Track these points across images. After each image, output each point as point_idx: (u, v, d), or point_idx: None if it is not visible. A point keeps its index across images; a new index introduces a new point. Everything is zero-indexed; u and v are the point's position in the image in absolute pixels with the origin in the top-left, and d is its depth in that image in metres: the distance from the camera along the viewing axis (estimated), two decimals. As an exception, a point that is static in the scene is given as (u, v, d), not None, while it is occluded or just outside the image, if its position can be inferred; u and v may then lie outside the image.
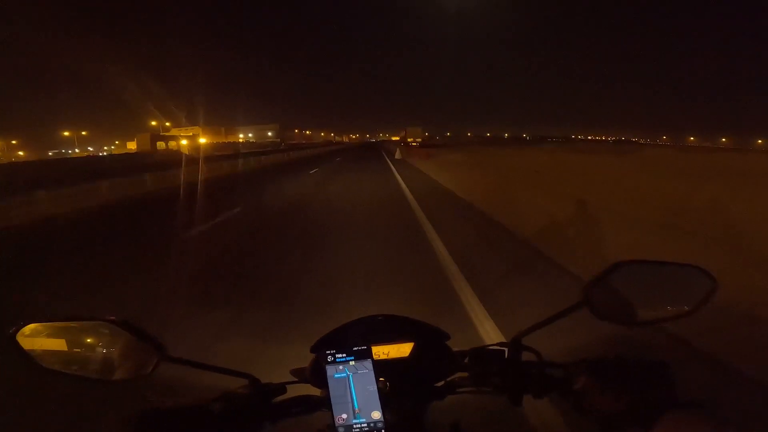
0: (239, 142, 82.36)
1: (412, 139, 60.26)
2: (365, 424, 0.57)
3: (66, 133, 74.20)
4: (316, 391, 0.67)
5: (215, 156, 23.56)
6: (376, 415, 0.58)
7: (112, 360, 0.54)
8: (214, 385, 0.62)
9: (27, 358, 0.53)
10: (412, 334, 0.71)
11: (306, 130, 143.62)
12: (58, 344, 0.56)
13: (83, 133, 79.49)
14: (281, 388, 0.65)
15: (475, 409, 0.86)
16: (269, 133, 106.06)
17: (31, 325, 0.54)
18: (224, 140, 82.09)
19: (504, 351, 0.63)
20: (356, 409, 0.59)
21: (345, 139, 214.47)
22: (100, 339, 0.55)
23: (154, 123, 72.47)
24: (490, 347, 0.65)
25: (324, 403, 0.63)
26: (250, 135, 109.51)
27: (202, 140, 70.44)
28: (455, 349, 0.71)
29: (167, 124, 75.81)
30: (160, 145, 55.79)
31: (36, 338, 0.55)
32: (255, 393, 0.61)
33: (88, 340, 0.56)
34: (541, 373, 0.60)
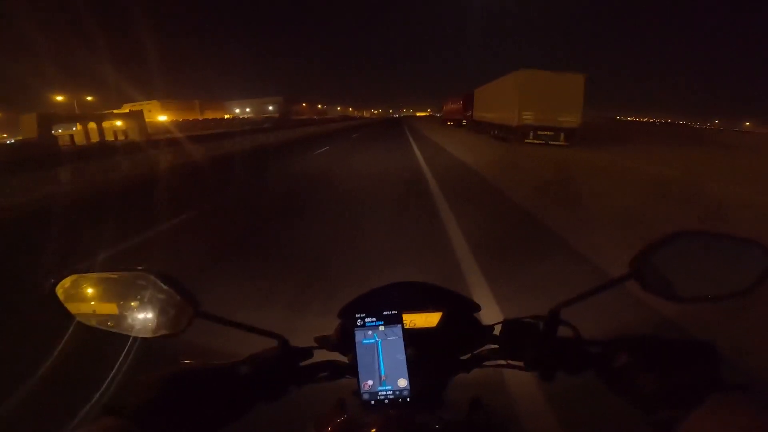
0: (223, 118, 66.79)
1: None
2: (391, 392, 0.57)
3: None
4: (341, 358, 0.67)
5: (177, 139, 15.75)
6: (403, 383, 0.58)
7: (147, 315, 0.55)
8: (241, 348, 0.63)
9: (65, 311, 0.54)
10: (440, 304, 0.69)
11: (319, 104, 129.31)
12: (96, 297, 0.57)
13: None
14: (308, 352, 0.65)
15: (500, 383, 0.87)
16: (270, 108, 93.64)
17: (71, 276, 0.55)
18: (200, 117, 70.57)
19: (539, 324, 0.61)
20: (383, 375, 0.58)
21: (366, 114, 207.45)
22: (139, 292, 0.55)
23: (60, 98, 46.46)
24: (524, 319, 0.63)
25: (350, 369, 0.63)
26: (247, 110, 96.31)
27: (162, 117, 58.43)
28: (486, 322, 0.70)
29: (89, 98, 50.80)
30: (68, 131, 31.93)
31: (75, 291, 0.56)
32: (282, 355, 0.61)
33: (127, 294, 0.56)
34: (577, 348, 0.57)
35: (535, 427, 1.40)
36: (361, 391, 0.58)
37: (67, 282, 0.55)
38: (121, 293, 0.56)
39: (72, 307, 0.55)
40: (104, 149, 13.87)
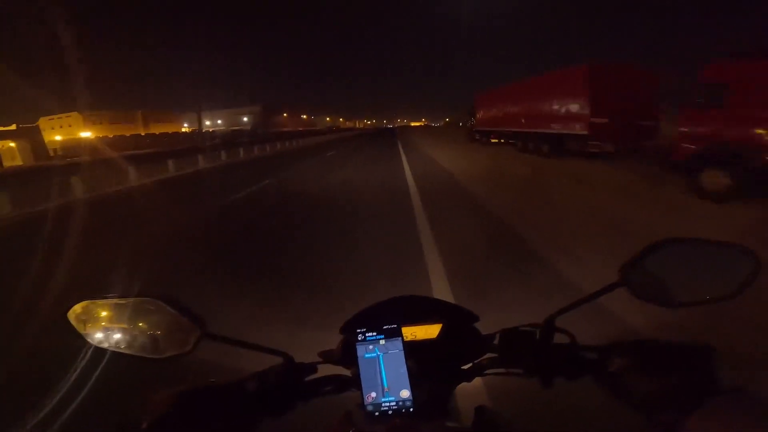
0: (178, 132, 54.97)
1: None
2: (394, 403, 0.59)
3: None
4: (345, 372, 0.68)
5: (97, 161, 10.99)
6: (405, 393, 0.59)
7: (156, 337, 0.57)
8: (248, 365, 0.64)
9: (78, 336, 0.57)
10: (440, 316, 0.71)
11: (304, 114, 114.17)
12: (107, 322, 0.59)
13: None
14: (312, 367, 0.66)
15: (502, 391, 0.88)
16: (245, 119, 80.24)
17: (82, 303, 0.58)
18: (143, 131, 56.58)
19: (535, 332, 0.63)
20: (385, 387, 0.60)
21: (359, 125, 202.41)
22: (147, 316, 0.58)
23: None
24: (522, 328, 0.64)
25: (353, 383, 0.64)
26: (219, 122, 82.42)
27: (86, 134, 47.97)
28: (485, 332, 0.71)
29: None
30: None
31: (87, 316, 0.58)
32: (288, 372, 0.62)
33: (136, 318, 0.58)
34: (574, 354, 0.59)
35: None
36: (365, 403, 0.59)
37: (78, 308, 0.57)
38: (131, 317, 0.58)
39: (84, 331, 0.58)
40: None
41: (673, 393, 0.45)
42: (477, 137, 21.64)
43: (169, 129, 60.59)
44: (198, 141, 29.08)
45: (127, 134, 46.02)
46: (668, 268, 0.56)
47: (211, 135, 42.74)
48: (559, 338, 0.62)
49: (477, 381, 0.69)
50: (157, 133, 45.06)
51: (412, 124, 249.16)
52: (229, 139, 24.72)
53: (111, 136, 44.62)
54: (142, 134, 45.69)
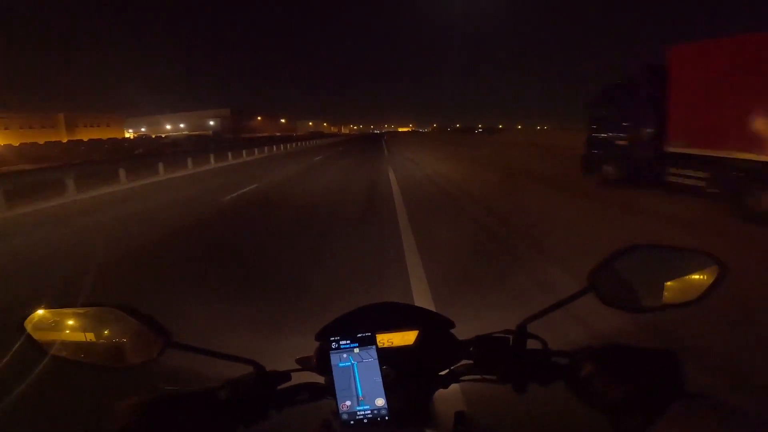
0: (118, 139, 46.23)
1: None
2: (369, 411, 0.59)
3: None
4: (320, 379, 0.67)
5: None
6: (380, 402, 0.59)
7: (119, 347, 0.55)
8: (219, 373, 0.63)
9: (36, 346, 0.54)
10: (416, 322, 0.71)
11: (282, 118, 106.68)
12: (67, 332, 0.57)
13: None
14: (286, 375, 0.65)
15: (479, 397, 0.88)
16: (211, 122, 70.44)
17: (39, 312, 0.56)
18: (69, 137, 46.11)
19: (508, 338, 0.63)
20: (360, 396, 0.60)
21: (345, 130, 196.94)
22: (108, 326, 0.56)
23: None
24: (495, 335, 0.65)
25: (328, 391, 0.63)
26: (182, 125, 74.20)
27: None
28: (461, 338, 0.71)
29: None
30: None
31: (45, 326, 0.56)
32: (260, 380, 0.61)
33: (96, 327, 0.56)
34: (546, 360, 0.60)
35: None
36: (340, 412, 0.59)
37: (35, 317, 0.55)
38: (91, 326, 0.56)
39: (42, 341, 0.55)
40: None
41: (640, 398, 0.46)
42: (612, 171, 8.68)
43: (104, 134, 51.55)
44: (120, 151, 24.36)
45: (42, 141, 35.19)
46: (636, 273, 0.57)
47: (156, 141, 37.27)
48: (532, 344, 0.62)
49: (454, 387, 0.69)
50: (85, 139, 34.96)
51: (400, 129, 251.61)
52: (166, 150, 20.61)
53: (17, 144, 34.34)
54: (64, 141, 35.76)
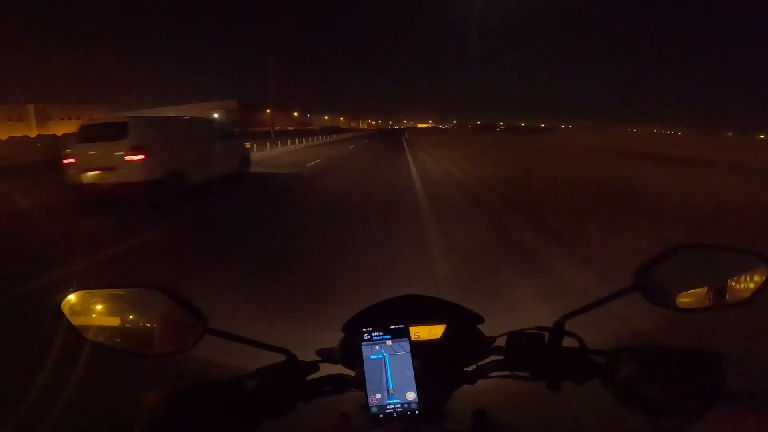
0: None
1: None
2: (399, 405, 0.58)
3: None
4: (345, 371, 0.67)
5: None
6: (411, 396, 0.58)
7: (154, 331, 0.54)
8: (245, 363, 0.63)
9: (71, 329, 0.54)
10: (444, 316, 0.70)
11: (295, 112, 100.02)
12: (103, 314, 0.56)
13: None
14: (315, 366, 0.65)
15: (504, 394, 0.86)
16: (215, 115, 61.46)
17: (77, 293, 0.55)
18: (40, 131, 41.55)
19: (543, 335, 0.62)
20: (391, 389, 0.59)
21: (362, 125, 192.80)
22: (145, 308, 0.55)
23: None
24: (529, 331, 0.63)
25: (355, 383, 0.63)
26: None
27: None
28: (488, 334, 0.70)
29: None
30: None
31: (81, 307, 0.55)
32: (289, 370, 0.61)
33: (133, 309, 0.56)
34: (583, 359, 0.58)
35: None
36: (369, 405, 0.58)
37: (72, 299, 0.54)
38: (130, 309, 0.56)
39: (79, 324, 0.55)
40: None
41: (681, 399, 0.45)
42: None
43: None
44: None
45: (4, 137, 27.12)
46: (682, 273, 0.55)
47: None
48: (567, 341, 0.61)
49: (485, 383, 0.67)
50: (59, 134, 25.89)
51: (419, 125, 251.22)
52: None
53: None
54: (32, 136, 29.44)
